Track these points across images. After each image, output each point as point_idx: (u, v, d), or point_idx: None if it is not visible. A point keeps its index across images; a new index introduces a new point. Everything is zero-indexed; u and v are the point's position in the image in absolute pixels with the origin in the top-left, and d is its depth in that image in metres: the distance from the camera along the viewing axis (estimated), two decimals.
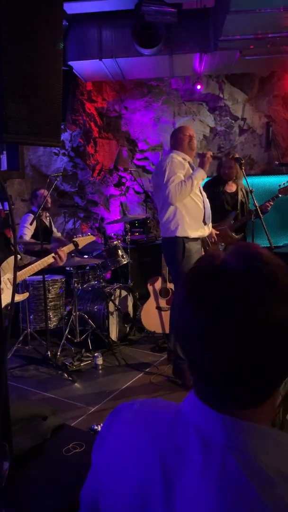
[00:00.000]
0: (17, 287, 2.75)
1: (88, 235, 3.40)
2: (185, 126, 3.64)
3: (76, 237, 3.23)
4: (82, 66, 5.62)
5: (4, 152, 1.37)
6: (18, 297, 2.77)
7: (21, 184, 6.31)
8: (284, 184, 4.18)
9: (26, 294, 2.93)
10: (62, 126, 5.87)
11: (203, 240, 3.62)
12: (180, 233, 3.33)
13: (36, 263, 2.71)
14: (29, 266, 2.69)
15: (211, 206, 3.77)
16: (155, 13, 4.53)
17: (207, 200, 3.56)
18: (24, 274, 2.70)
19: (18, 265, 2.79)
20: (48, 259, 2.76)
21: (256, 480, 0.61)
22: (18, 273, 2.65)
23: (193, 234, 3.36)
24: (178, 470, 0.66)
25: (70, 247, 3.06)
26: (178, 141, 3.51)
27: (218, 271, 0.65)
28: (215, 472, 0.63)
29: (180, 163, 3.36)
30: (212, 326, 0.62)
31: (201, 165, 3.40)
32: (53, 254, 2.76)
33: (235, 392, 0.65)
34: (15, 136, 1.21)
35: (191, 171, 3.43)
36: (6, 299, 2.51)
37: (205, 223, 3.48)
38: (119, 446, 0.76)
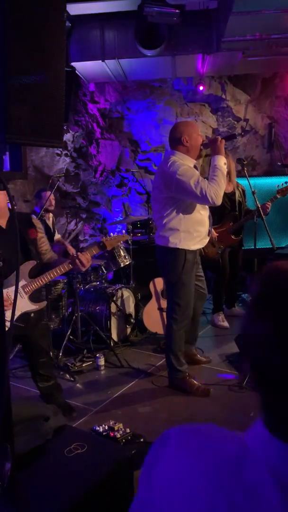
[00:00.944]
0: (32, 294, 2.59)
1: (122, 234, 3.12)
2: (182, 123, 3.32)
3: (105, 238, 2.91)
4: (85, 67, 5.64)
5: (7, 153, 1.37)
6: (35, 306, 2.63)
7: (24, 185, 6.31)
8: (282, 184, 4.17)
9: (44, 303, 2.75)
10: (64, 127, 5.88)
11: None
12: (182, 246, 3.17)
13: (51, 271, 2.55)
14: (44, 275, 2.55)
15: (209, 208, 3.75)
16: (157, 14, 4.54)
17: (208, 210, 3.36)
18: (38, 283, 2.55)
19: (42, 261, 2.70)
20: (65, 267, 2.57)
21: None
22: (33, 282, 2.54)
23: (194, 247, 3.23)
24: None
25: (94, 250, 2.73)
26: (176, 142, 3.21)
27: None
28: None
29: (189, 167, 3.11)
30: (281, 331, 0.57)
31: (218, 152, 3.16)
32: (69, 261, 2.57)
33: None
34: (18, 137, 1.22)
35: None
36: (22, 307, 2.45)
37: (209, 233, 3.36)
38: (177, 474, 0.67)
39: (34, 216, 2.74)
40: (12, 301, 2.28)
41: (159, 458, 0.71)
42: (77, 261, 2.54)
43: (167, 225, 3.18)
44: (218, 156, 3.15)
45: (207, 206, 3.25)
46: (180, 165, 3.07)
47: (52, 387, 2.85)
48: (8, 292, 2.36)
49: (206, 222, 3.28)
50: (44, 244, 2.69)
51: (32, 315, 2.58)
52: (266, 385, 0.60)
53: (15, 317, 2.28)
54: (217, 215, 4.19)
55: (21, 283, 2.52)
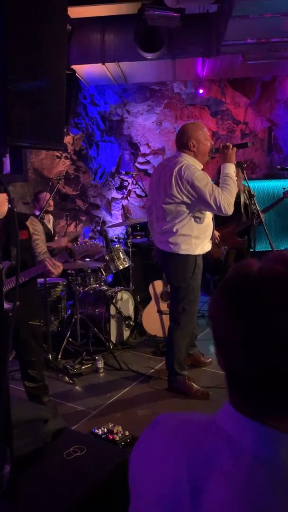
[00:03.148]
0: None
1: (93, 243, 3.05)
2: (191, 126, 3.18)
3: (73, 245, 2.90)
4: (85, 70, 5.65)
5: (7, 155, 1.37)
6: (7, 305, 2.63)
7: (23, 187, 6.32)
8: None
9: (16, 303, 2.75)
10: (64, 130, 5.89)
11: None
12: (194, 252, 3.13)
13: (22, 272, 2.57)
14: (23, 272, 2.56)
15: None
16: (158, 18, 4.55)
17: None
18: (12, 283, 2.56)
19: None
20: (35, 270, 2.60)
21: (283, 491, 0.59)
22: (7, 282, 2.54)
23: (202, 251, 3.21)
24: (205, 479, 0.65)
25: (62, 257, 2.73)
26: (183, 145, 3.13)
27: (258, 277, 0.65)
28: (242, 481, 0.62)
29: (206, 175, 3.04)
30: (254, 332, 0.62)
31: (228, 160, 3.11)
32: (41, 265, 2.57)
33: (273, 401, 0.64)
34: (18, 140, 1.22)
35: None
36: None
37: (212, 238, 3.36)
38: (150, 451, 0.76)
39: (33, 218, 2.74)
40: None
41: (142, 440, 0.80)
42: (47, 263, 2.53)
43: (179, 231, 3.08)
44: (229, 164, 3.11)
45: (210, 216, 3.23)
46: (196, 170, 3.00)
47: (38, 389, 2.85)
48: None
49: (211, 227, 3.28)
50: (38, 247, 2.69)
51: (10, 313, 2.56)
52: (234, 377, 0.69)
53: None
54: (220, 216, 4.18)
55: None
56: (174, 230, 3.09)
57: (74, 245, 2.88)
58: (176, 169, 3.01)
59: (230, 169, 3.10)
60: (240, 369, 0.66)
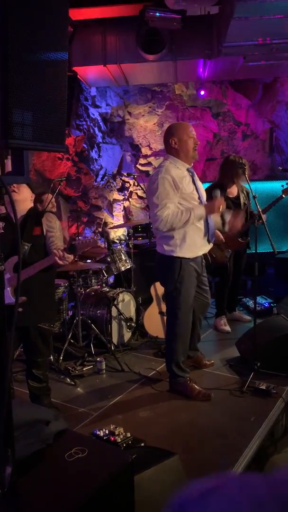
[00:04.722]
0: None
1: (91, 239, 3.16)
2: (174, 125, 3.22)
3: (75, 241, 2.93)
4: (87, 72, 5.66)
5: (9, 157, 1.37)
6: (15, 299, 2.67)
7: None
8: (287, 184, 4.14)
9: (23, 298, 2.75)
10: (66, 131, 5.90)
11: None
12: (177, 254, 3.10)
13: (32, 266, 2.58)
14: (26, 269, 2.57)
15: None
16: (159, 19, 4.56)
17: (211, 216, 3.26)
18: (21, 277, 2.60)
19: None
20: (45, 262, 2.59)
21: None
22: (16, 276, 2.59)
23: (190, 255, 3.14)
24: None
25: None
26: (168, 146, 3.16)
27: None
28: None
29: (171, 183, 3.01)
30: None
31: (208, 209, 3.09)
32: (55, 251, 2.55)
33: None
34: (20, 142, 1.22)
35: (189, 180, 3.11)
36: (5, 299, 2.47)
37: (209, 241, 3.26)
38: None
39: (51, 214, 2.80)
40: None
41: None
42: (56, 252, 2.52)
43: (164, 232, 3.12)
44: (202, 208, 3.07)
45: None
46: (163, 175, 3.00)
47: (41, 390, 2.89)
48: None
49: (203, 230, 3.19)
50: (53, 244, 2.73)
51: (20, 309, 2.57)
52: None
53: None
54: None
55: (7, 276, 2.54)
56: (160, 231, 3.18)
57: (75, 241, 2.91)
58: (155, 171, 3.14)
59: (199, 212, 3.03)
60: None
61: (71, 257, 2.59)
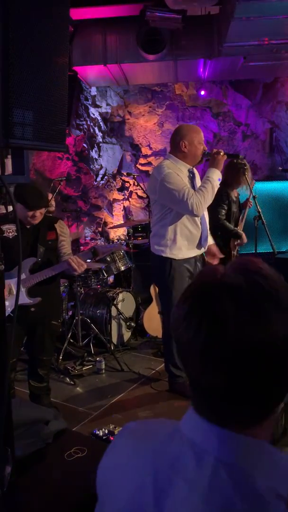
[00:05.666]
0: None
1: (117, 245, 3.40)
2: (186, 127, 3.17)
3: (97, 245, 3.04)
4: (87, 71, 5.66)
5: (9, 156, 1.37)
6: (30, 300, 2.69)
7: None
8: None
9: (38, 299, 2.75)
10: (66, 131, 5.90)
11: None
12: (167, 254, 3.10)
13: (47, 269, 2.64)
14: (41, 272, 2.63)
15: (218, 216, 3.65)
16: (159, 19, 4.56)
17: (206, 221, 3.23)
18: (35, 279, 2.64)
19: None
20: (59, 267, 2.65)
21: (244, 496, 0.59)
22: (31, 277, 2.64)
23: (180, 256, 3.11)
24: (169, 484, 0.65)
25: (86, 256, 2.80)
26: (175, 146, 3.10)
27: (219, 285, 0.64)
28: (204, 487, 0.61)
29: (176, 175, 2.99)
30: (211, 341, 0.61)
31: (215, 165, 3.02)
32: (65, 262, 2.63)
33: (233, 410, 0.64)
34: (21, 142, 1.22)
35: (188, 181, 3.09)
36: (19, 300, 2.49)
37: (200, 246, 3.20)
38: (116, 459, 0.77)
39: (62, 221, 2.91)
40: (9, 292, 2.48)
41: (110, 449, 0.81)
42: (71, 261, 2.59)
43: (157, 231, 3.15)
44: (214, 169, 3.03)
45: (198, 221, 3.14)
46: (167, 169, 2.98)
47: (42, 389, 2.91)
48: (11, 283, 2.50)
49: (195, 233, 3.15)
50: (63, 248, 2.83)
51: (32, 309, 2.63)
52: (195, 384, 0.67)
53: (12, 308, 2.44)
54: (233, 222, 4.10)
55: (22, 276, 2.57)
56: (153, 230, 3.22)
57: (98, 244, 2.99)
58: (155, 169, 3.13)
59: (214, 174, 3.02)
60: (199, 377, 0.64)
61: (85, 264, 2.66)
